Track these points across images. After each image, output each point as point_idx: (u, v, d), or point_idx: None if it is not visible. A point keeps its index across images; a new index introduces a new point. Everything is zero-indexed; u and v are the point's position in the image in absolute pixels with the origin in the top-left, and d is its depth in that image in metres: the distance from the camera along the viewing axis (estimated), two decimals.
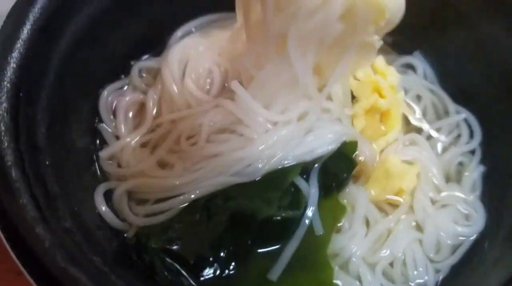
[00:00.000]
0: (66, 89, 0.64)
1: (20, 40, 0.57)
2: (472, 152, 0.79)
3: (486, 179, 0.77)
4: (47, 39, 0.61)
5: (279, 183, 0.66)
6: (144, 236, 0.61)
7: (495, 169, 0.77)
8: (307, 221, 0.64)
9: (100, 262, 0.50)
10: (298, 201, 0.65)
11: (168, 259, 0.60)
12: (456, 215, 0.73)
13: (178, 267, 0.61)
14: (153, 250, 0.60)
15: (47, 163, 0.56)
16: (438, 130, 0.81)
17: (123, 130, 0.75)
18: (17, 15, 0.59)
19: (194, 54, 0.79)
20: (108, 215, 0.64)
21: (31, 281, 0.45)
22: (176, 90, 0.76)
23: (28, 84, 0.56)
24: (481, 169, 0.78)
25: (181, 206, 0.65)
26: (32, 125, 0.56)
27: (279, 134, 0.67)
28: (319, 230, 0.64)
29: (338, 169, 0.69)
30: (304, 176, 0.67)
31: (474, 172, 0.77)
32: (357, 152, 0.71)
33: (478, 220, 0.72)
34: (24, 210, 0.47)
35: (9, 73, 0.55)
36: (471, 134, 0.81)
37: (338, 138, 0.70)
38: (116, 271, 0.50)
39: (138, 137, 0.74)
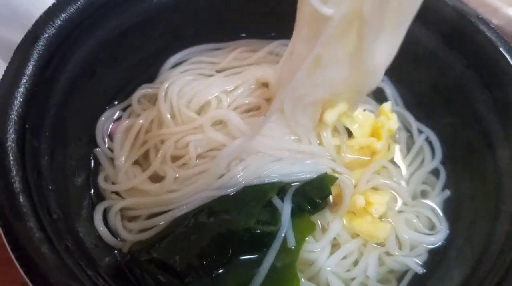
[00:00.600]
0: (66, 120, 0.71)
1: (26, 76, 0.63)
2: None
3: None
4: (49, 74, 0.67)
5: (259, 199, 0.73)
6: (135, 251, 0.68)
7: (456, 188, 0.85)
8: (282, 235, 0.71)
9: (97, 278, 0.57)
10: (274, 217, 0.72)
11: (156, 270, 0.67)
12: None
13: (166, 277, 0.67)
14: (143, 263, 0.66)
15: (50, 188, 0.63)
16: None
17: (118, 152, 0.82)
18: (22, 53, 0.65)
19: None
20: (105, 234, 0.71)
21: None
22: (166, 108, 0.85)
23: (33, 117, 0.63)
24: (447, 193, 0.84)
25: (170, 221, 0.73)
26: (37, 154, 0.63)
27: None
28: (291, 243, 0.71)
29: (314, 194, 0.76)
30: (280, 195, 0.75)
31: (437, 197, 0.84)
32: (337, 183, 0.79)
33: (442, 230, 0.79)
34: (31, 232, 0.54)
35: (16, 107, 0.61)
36: (433, 153, 0.88)
37: (318, 169, 0.79)
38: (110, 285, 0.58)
39: (128, 155, 0.82)
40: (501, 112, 0.74)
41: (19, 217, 0.55)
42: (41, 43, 0.67)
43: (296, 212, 0.74)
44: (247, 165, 0.77)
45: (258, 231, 0.70)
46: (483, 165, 0.76)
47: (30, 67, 0.65)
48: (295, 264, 0.70)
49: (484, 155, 0.76)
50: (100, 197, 0.77)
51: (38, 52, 0.66)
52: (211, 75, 0.93)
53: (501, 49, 0.74)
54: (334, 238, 0.76)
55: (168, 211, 0.75)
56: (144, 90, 0.91)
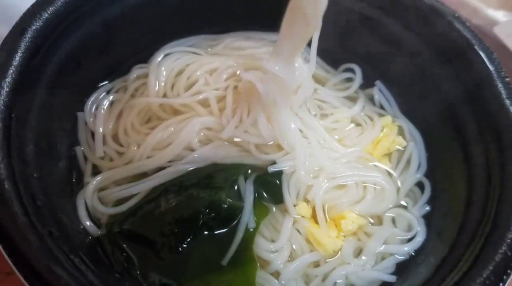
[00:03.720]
0: (52, 110, 0.73)
1: (13, 67, 0.65)
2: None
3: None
4: (35, 66, 0.69)
5: (228, 176, 0.76)
6: (108, 224, 0.72)
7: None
8: (249, 210, 0.74)
9: (79, 262, 0.59)
10: (240, 195, 0.75)
11: (128, 242, 0.70)
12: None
13: (138, 249, 0.70)
14: (115, 235, 0.70)
15: (35, 175, 0.64)
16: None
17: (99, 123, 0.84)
18: (11, 44, 0.67)
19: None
20: (84, 218, 0.73)
21: (21, 277, 0.54)
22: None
23: (19, 107, 0.65)
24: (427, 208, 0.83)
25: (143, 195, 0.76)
26: (22, 142, 0.65)
27: None
28: (251, 224, 0.73)
29: (272, 185, 0.79)
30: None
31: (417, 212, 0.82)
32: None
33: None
34: (15, 216, 0.56)
35: (3, 96, 0.63)
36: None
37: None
38: (91, 269, 0.60)
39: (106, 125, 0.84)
40: (475, 105, 0.76)
41: (4, 202, 0.57)
42: (28, 35, 0.68)
43: (255, 197, 0.76)
44: (216, 145, 0.81)
45: (227, 204, 0.73)
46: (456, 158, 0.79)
47: (17, 58, 0.66)
48: (253, 246, 0.72)
49: (457, 150, 0.79)
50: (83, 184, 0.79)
51: (25, 44, 0.68)
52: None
53: (475, 47, 0.76)
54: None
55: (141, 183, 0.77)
56: (139, 70, 0.92)
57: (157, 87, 0.89)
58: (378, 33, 0.89)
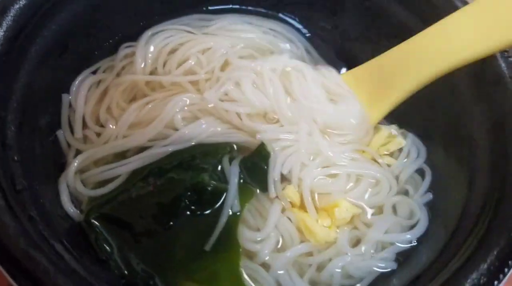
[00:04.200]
0: (36, 92, 0.70)
1: None
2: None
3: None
4: (18, 46, 0.66)
5: (211, 156, 0.73)
6: (88, 209, 0.69)
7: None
8: (234, 192, 0.70)
9: (60, 248, 0.56)
10: (224, 177, 0.72)
11: (108, 225, 0.67)
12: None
13: (117, 232, 0.67)
14: (95, 219, 0.67)
15: (15, 158, 0.61)
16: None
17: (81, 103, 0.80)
18: None
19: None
20: (67, 203, 0.70)
21: None
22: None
23: (0, 87, 0.62)
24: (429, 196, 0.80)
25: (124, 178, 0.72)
26: (3, 124, 0.62)
27: None
28: (236, 208, 0.70)
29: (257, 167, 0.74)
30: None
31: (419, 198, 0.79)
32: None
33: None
34: None
35: None
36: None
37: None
38: (74, 256, 0.57)
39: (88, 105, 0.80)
40: (476, 86, 0.74)
41: None
42: (11, 14, 0.66)
43: (240, 179, 0.73)
44: (202, 123, 0.77)
45: (210, 187, 0.69)
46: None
47: None
48: (237, 231, 0.69)
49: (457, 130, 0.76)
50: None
51: (7, 23, 0.65)
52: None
53: None
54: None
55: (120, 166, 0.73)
56: (127, 49, 0.88)
57: (143, 65, 0.85)
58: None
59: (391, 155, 0.85)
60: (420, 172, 0.82)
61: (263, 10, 0.99)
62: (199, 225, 0.69)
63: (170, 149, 0.74)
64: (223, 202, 0.70)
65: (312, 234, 0.71)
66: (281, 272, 0.69)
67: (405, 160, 0.83)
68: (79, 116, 0.79)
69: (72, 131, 0.78)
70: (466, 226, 0.64)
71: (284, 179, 0.75)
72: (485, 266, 0.55)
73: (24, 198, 0.59)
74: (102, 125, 0.79)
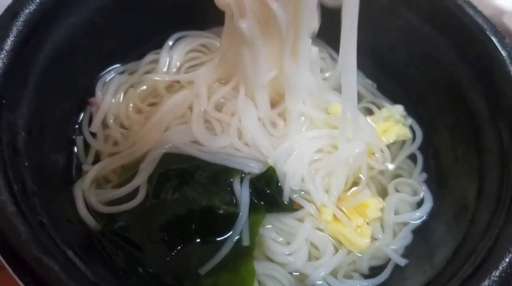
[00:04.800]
0: (44, 98, 0.69)
1: (4, 51, 0.62)
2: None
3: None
4: (28, 51, 0.66)
5: (222, 180, 0.72)
6: (103, 225, 0.69)
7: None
8: (244, 218, 0.70)
9: (71, 254, 0.55)
10: (235, 203, 0.71)
11: (121, 242, 0.67)
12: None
13: (129, 249, 0.67)
14: (108, 235, 0.67)
15: (26, 164, 0.61)
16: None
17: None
18: (1, 28, 0.64)
19: None
20: (82, 209, 0.70)
21: (9, 270, 0.51)
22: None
23: (10, 93, 0.62)
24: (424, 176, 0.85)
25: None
26: (13, 130, 0.62)
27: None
28: (246, 241, 0.69)
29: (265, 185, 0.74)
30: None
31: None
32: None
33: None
34: (3, 205, 0.53)
35: None
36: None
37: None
38: (85, 262, 0.56)
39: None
40: (487, 92, 0.73)
41: None
42: (21, 19, 0.65)
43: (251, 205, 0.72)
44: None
45: (222, 211, 0.69)
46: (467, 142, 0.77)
47: (9, 42, 0.64)
48: (252, 258, 0.70)
49: (467, 135, 0.77)
50: (79, 174, 0.76)
51: (17, 28, 0.65)
52: None
53: (487, 32, 0.73)
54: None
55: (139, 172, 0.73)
56: (153, 55, 0.91)
57: (165, 69, 0.88)
58: (382, 16, 0.87)
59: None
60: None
61: None
62: (207, 249, 0.69)
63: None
64: (232, 228, 0.70)
65: (353, 245, 0.73)
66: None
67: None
68: (102, 114, 0.80)
69: (93, 135, 0.80)
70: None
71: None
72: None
73: (34, 203, 0.58)
74: (123, 127, 0.80)
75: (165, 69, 0.89)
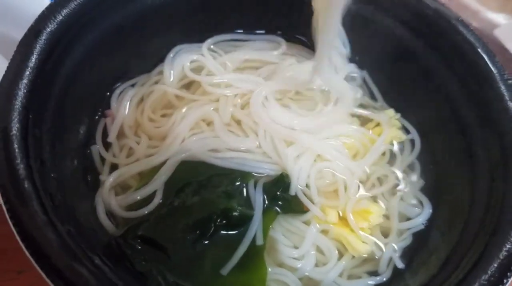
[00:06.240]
0: (66, 111, 0.74)
1: (29, 68, 0.66)
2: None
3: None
4: (50, 67, 0.70)
5: (237, 183, 0.78)
6: (124, 230, 0.73)
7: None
8: (259, 219, 0.75)
9: (98, 260, 0.60)
10: (249, 204, 0.77)
11: (144, 246, 0.71)
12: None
13: (152, 251, 0.72)
14: (130, 240, 0.71)
15: (52, 176, 0.65)
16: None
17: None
18: (25, 46, 0.67)
19: None
20: (103, 217, 0.75)
21: (43, 274, 0.55)
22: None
23: (35, 108, 0.65)
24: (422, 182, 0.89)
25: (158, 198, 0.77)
26: (39, 143, 0.65)
27: None
28: (259, 240, 0.74)
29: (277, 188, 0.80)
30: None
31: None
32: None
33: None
34: (35, 215, 0.57)
35: (20, 97, 0.63)
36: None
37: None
38: (110, 268, 0.61)
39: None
40: (478, 108, 0.79)
41: (24, 201, 0.57)
42: (43, 37, 0.69)
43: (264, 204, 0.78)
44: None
45: (237, 212, 0.74)
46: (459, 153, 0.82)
47: (33, 60, 0.67)
48: (264, 254, 0.74)
49: (460, 147, 0.82)
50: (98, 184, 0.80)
51: (40, 46, 0.68)
52: None
53: (479, 49, 0.78)
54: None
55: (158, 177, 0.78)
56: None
57: (171, 79, 0.92)
58: (378, 33, 0.92)
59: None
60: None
61: None
62: (225, 248, 0.73)
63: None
64: (247, 229, 0.74)
65: (355, 250, 0.78)
66: None
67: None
68: (118, 124, 0.85)
69: (106, 148, 0.83)
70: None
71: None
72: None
73: (62, 213, 0.62)
74: (138, 136, 0.85)
75: (169, 77, 0.93)
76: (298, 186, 0.81)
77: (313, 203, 0.80)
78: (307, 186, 0.81)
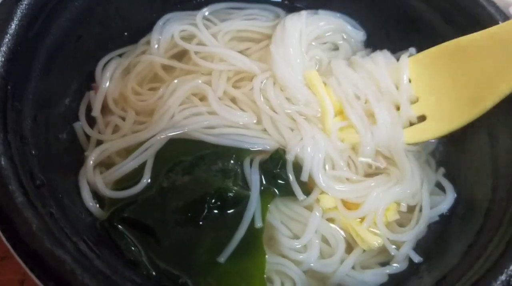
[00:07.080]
0: (50, 83, 0.68)
1: (8, 35, 0.60)
2: None
3: None
4: (33, 35, 0.64)
5: (232, 161, 0.72)
6: (110, 212, 0.67)
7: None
8: (256, 198, 0.69)
9: (83, 246, 0.54)
10: (246, 183, 0.71)
11: (130, 229, 0.66)
12: None
13: (140, 235, 0.66)
14: (117, 222, 0.66)
15: (33, 152, 0.60)
16: None
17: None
18: (5, 12, 0.62)
19: None
20: (87, 196, 0.69)
21: (20, 262, 0.49)
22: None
23: (15, 78, 0.60)
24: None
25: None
26: (19, 117, 0.60)
27: None
28: (259, 222, 0.68)
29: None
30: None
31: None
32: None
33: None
34: (13, 195, 0.51)
35: None
36: None
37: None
38: (96, 253, 0.55)
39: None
40: None
41: (1, 181, 0.52)
42: (25, 2, 0.63)
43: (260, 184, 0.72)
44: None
45: (232, 193, 0.68)
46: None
47: (13, 26, 0.62)
48: (262, 239, 0.68)
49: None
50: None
51: (21, 11, 0.63)
52: None
53: (500, 22, 0.73)
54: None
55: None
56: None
57: (156, 46, 0.85)
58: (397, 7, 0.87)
59: None
60: None
61: None
62: (220, 232, 0.67)
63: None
64: (244, 210, 0.68)
65: (364, 243, 0.71)
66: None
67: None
68: (101, 96, 0.78)
69: (92, 124, 0.77)
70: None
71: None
72: None
73: (43, 194, 0.57)
74: (124, 110, 0.79)
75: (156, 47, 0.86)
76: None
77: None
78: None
